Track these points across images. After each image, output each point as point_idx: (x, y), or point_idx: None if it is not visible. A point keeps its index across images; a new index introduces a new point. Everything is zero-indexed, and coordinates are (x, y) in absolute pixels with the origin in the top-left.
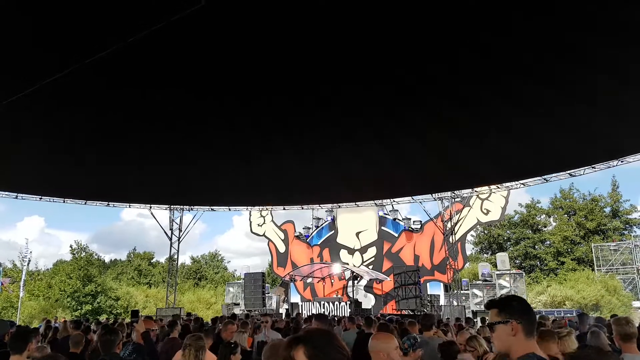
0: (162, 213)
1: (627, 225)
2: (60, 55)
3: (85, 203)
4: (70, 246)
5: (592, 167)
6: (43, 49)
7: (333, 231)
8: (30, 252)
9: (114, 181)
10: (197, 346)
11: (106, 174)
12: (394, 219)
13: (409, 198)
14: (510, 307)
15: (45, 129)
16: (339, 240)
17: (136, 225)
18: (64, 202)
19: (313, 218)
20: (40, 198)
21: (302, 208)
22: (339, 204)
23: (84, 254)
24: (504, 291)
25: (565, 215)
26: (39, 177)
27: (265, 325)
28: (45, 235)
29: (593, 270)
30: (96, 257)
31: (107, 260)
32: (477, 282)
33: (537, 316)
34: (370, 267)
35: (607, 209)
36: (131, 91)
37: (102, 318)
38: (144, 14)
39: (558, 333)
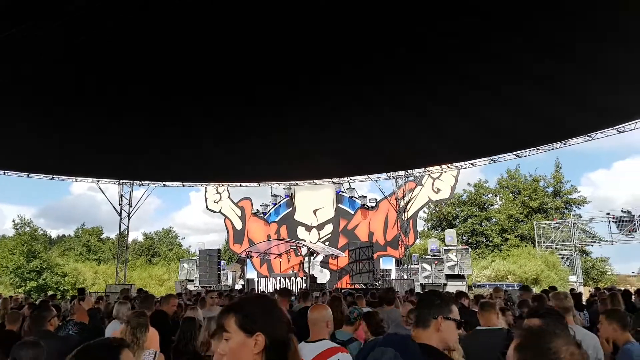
0: (113, 187)
1: (567, 205)
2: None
3: (28, 176)
4: (13, 221)
5: (537, 149)
6: None
7: (291, 208)
8: None
9: (58, 152)
10: (135, 323)
11: (49, 144)
12: (351, 197)
13: (366, 176)
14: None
15: None
16: (297, 217)
17: (87, 200)
18: (4, 174)
19: (271, 195)
20: None
21: (260, 185)
22: (297, 182)
23: (28, 229)
24: (450, 264)
25: (511, 195)
26: None
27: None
28: None
29: (534, 246)
30: (41, 232)
31: (54, 235)
32: (427, 257)
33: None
34: (327, 243)
35: (550, 189)
36: (81, 58)
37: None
38: None
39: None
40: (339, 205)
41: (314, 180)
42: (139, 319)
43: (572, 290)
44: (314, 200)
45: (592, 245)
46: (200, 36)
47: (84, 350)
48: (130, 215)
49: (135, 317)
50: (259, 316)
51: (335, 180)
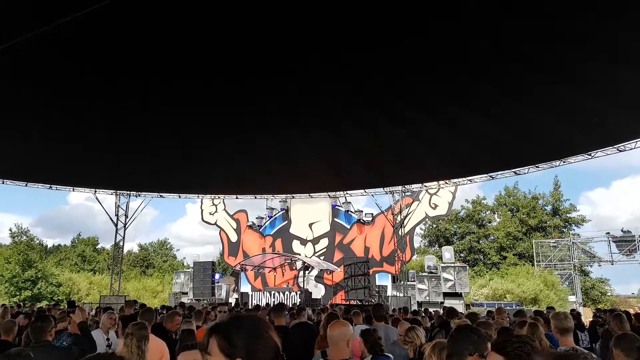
0: (110, 198)
1: (566, 223)
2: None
3: (26, 185)
4: (10, 229)
5: (536, 167)
6: None
7: (286, 221)
8: None
9: (56, 162)
10: (140, 336)
11: (48, 154)
12: (347, 211)
13: (362, 191)
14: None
15: None
16: (292, 230)
17: (84, 210)
18: (2, 183)
19: (267, 208)
20: None
21: (256, 198)
22: (293, 195)
23: (24, 237)
24: (448, 284)
25: (509, 212)
26: None
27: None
28: None
29: (533, 265)
30: (37, 241)
31: (51, 245)
32: (423, 274)
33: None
34: (322, 257)
35: (549, 207)
36: (75, 67)
37: (43, 304)
38: None
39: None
40: (335, 219)
41: (310, 194)
42: (142, 331)
43: (572, 310)
44: (310, 213)
45: (592, 265)
46: (197, 42)
47: None
48: (127, 225)
49: (138, 330)
50: (242, 340)
51: (332, 194)
